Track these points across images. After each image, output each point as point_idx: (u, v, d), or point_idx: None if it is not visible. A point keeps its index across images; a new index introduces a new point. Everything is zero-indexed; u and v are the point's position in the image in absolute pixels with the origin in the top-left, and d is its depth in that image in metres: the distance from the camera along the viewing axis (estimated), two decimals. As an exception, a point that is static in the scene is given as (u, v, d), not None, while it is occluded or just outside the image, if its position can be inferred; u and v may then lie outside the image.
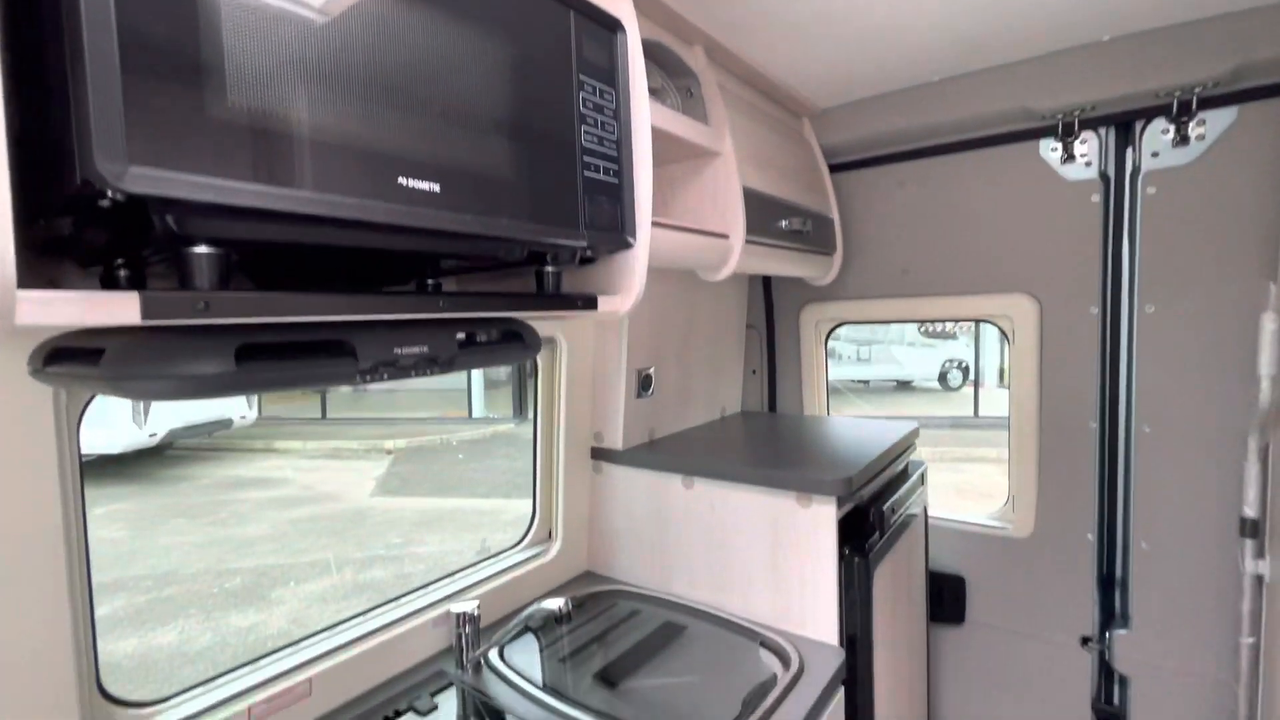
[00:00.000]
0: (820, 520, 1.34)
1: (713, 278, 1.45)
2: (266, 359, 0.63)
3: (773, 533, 1.41)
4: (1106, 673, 1.73)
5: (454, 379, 13.17)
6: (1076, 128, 1.65)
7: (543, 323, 1.51)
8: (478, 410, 12.21)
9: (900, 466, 1.73)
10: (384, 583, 5.18)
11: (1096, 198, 1.67)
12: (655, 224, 1.12)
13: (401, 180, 0.62)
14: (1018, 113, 1.68)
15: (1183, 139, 1.55)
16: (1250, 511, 1.45)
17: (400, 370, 0.77)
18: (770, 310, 2.25)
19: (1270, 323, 1.37)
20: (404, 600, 1.36)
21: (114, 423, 7.39)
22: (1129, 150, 1.63)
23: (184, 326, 0.60)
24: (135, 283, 0.64)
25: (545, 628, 1.45)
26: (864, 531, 1.40)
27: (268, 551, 5.88)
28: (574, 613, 1.50)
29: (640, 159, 0.95)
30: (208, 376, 0.58)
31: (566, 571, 1.67)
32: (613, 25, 0.90)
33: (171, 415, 7.95)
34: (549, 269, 0.89)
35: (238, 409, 9.00)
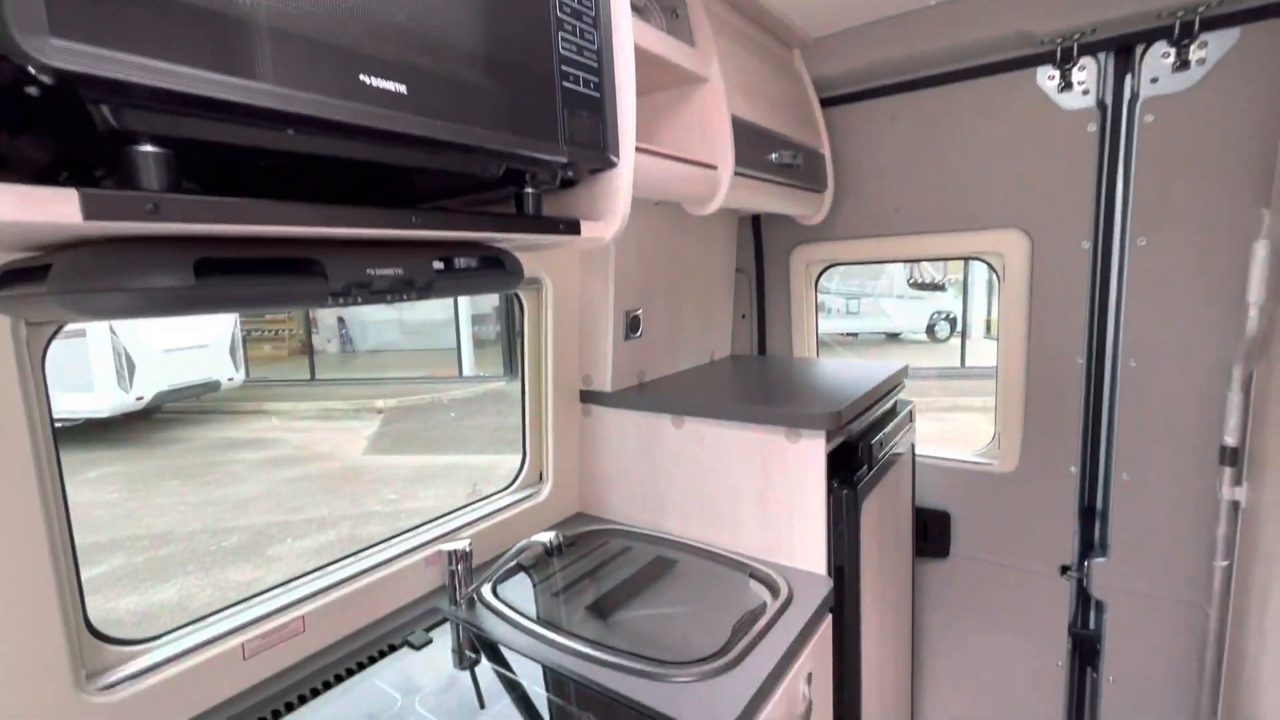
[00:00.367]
0: (809, 454, 1.35)
1: (701, 211, 1.41)
2: (230, 275, 0.60)
3: (763, 468, 1.42)
4: (1084, 599, 1.79)
5: (444, 338, 13.08)
6: (1075, 53, 1.60)
7: (528, 263, 1.47)
8: (468, 369, 12.17)
9: (888, 404, 1.73)
10: (381, 537, 5.25)
11: (1093, 127, 1.63)
12: (641, 150, 1.07)
13: (364, 78, 0.58)
14: (1015, 38, 1.62)
15: (1183, 63, 1.50)
16: (1230, 440, 1.47)
17: (374, 294, 0.74)
18: (760, 252, 2.21)
19: (1262, 250, 1.35)
20: (396, 540, 1.36)
21: (99, 385, 7.29)
22: (1128, 77, 1.58)
23: (138, 238, 0.56)
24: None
25: (538, 565, 1.47)
26: (852, 465, 1.42)
27: (264, 510, 5.92)
28: (566, 551, 1.52)
29: (623, 73, 0.90)
30: (164, 291, 0.54)
31: (558, 513, 1.68)
32: (590, -75, 0.84)
33: (158, 378, 7.87)
34: (529, 190, 0.85)
35: (225, 370, 8.91)
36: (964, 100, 1.78)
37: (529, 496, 1.62)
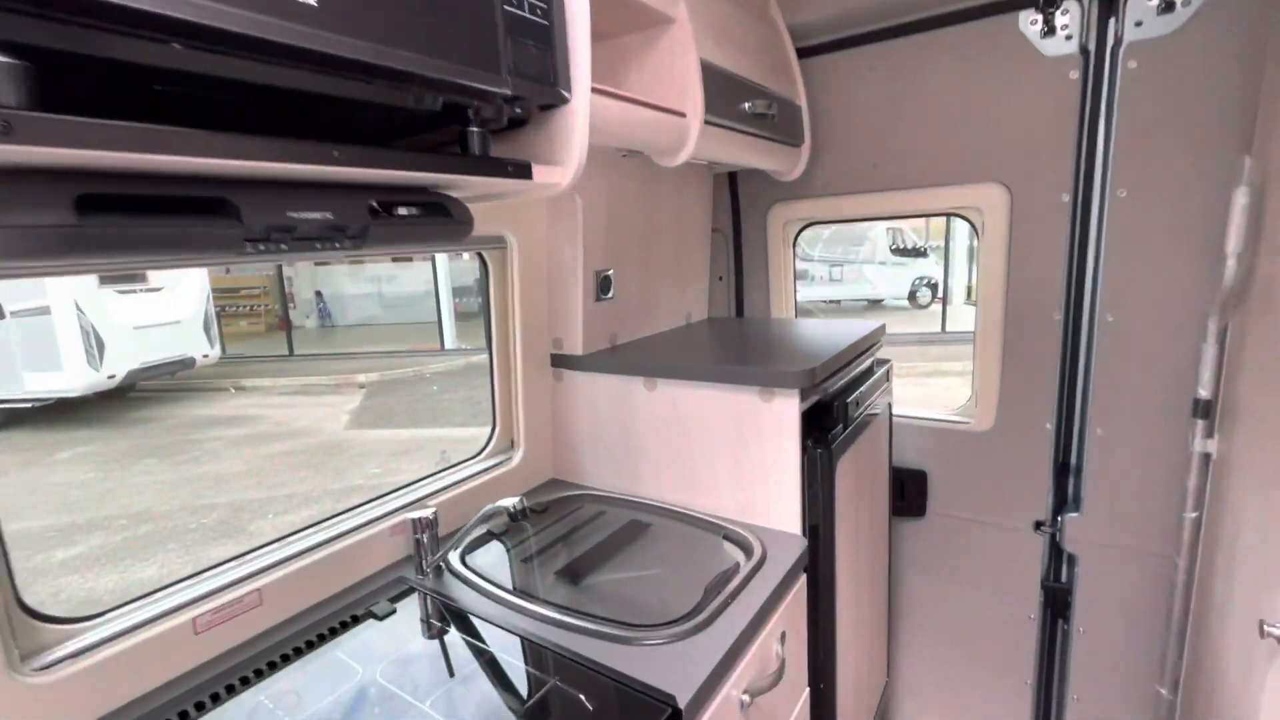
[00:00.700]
0: (783, 414, 1.32)
1: (669, 162, 1.35)
2: (121, 214, 0.53)
3: (736, 429, 1.38)
4: (1056, 553, 1.81)
5: (425, 311, 12.88)
6: None
7: (490, 219, 1.40)
8: (450, 342, 12.03)
9: (865, 363, 1.70)
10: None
11: (1075, 74, 1.58)
12: (601, 91, 1.00)
13: (261, -16, 0.51)
14: None
15: (1168, 5, 1.45)
16: (1204, 392, 1.46)
17: (301, 241, 0.67)
18: (736, 211, 2.15)
19: (1242, 197, 1.32)
20: (359, 510, 1.32)
21: (68, 364, 7.10)
22: (1111, 21, 1.53)
23: (8, 170, 0.50)
24: None
25: (509, 532, 1.43)
26: (827, 424, 1.39)
27: (244, 487, 5.84)
28: (538, 517, 1.49)
29: (575, 1, 0.83)
30: (36, 230, 0.48)
31: (531, 479, 1.65)
32: None
33: (130, 355, 7.68)
34: (473, 129, 0.79)
35: (200, 347, 8.72)
36: (945, 49, 1.72)
37: (500, 464, 1.57)
